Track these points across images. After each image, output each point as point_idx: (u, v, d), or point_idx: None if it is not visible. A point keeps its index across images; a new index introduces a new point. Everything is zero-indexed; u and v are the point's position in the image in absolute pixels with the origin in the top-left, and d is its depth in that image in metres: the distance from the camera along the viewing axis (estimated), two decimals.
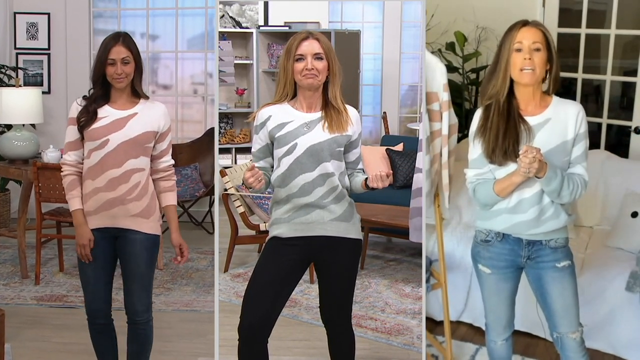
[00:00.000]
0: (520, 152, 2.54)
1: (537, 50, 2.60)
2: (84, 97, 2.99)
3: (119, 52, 2.90)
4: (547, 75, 2.66)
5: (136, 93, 2.99)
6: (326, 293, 2.87)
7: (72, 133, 2.97)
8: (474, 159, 2.76)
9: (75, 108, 2.97)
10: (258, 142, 2.81)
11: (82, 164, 2.98)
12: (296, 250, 2.76)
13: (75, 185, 2.98)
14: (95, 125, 2.92)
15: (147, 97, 3.03)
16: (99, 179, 2.93)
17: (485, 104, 2.72)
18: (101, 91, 2.95)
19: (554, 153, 2.63)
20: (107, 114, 2.94)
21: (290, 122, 2.74)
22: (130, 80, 2.94)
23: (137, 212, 2.96)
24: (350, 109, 2.82)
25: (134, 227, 2.97)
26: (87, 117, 2.92)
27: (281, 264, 2.74)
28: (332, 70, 2.75)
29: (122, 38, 2.93)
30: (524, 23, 2.64)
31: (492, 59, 2.71)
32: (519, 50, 2.60)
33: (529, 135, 2.63)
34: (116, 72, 2.89)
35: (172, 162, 3.10)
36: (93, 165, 2.93)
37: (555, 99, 2.70)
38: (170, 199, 3.08)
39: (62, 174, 3.00)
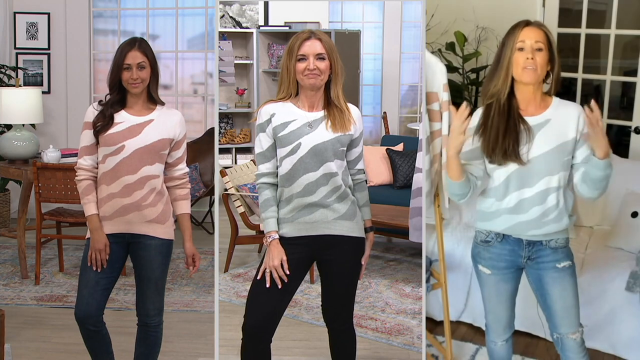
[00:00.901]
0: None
1: (539, 49, 2.60)
2: (100, 102, 2.98)
3: (134, 57, 2.89)
4: (549, 76, 2.66)
5: (152, 99, 2.98)
6: (329, 291, 2.87)
7: (87, 137, 2.96)
8: (465, 152, 2.76)
9: (92, 112, 2.96)
10: (266, 140, 2.78)
11: (97, 168, 2.97)
12: (300, 249, 2.76)
13: (90, 190, 2.96)
14: (111, 130, 2.90)
15: (162, 103, 3.02)
16: (114, 184, 2.91)
17: (486, 103, 2.72)
18: (118, 97, 2.94)
19: (554, 153, 2.63)
20: (123, 119, 2.93)
21: (293, 121, 2.74)
22: (146, 86, 2.93)
23: (152, 218, 2.95)
24: (353, 108, 2.82)
25: (149, 233, 2.96)
26: (103, 122, 2.91)
27: (285, 263, 2.73)
28: (335, 70, 2.74)
29: (139, 43, 2.92)
30: (527, 23, 2.64)
31: (493, 58, 2.71)
32: (521, 49, 2.60)
33: (528, 135, 2.63)
34: (132, 77, 2.88)
35: (187, 170, 3.09)
36: (108, 171, 2.92)
37: (555, 100, 2.70)
38: (185, 207, 3.07)
39: (77, 178, 2.98)
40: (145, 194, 2.93)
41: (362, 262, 2.85)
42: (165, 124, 2.97)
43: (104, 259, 2.91)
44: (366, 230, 2.87)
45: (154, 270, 2.97)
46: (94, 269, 2.92)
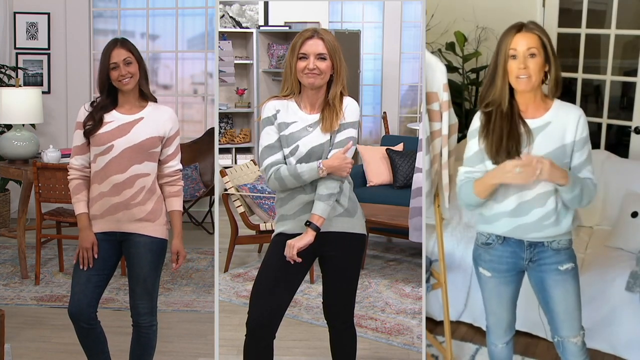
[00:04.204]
0: (517, 159, 2.53)
1: (532, 55, 2.57)
2: (92, 104, 2.99)
3: (119, 54, 2.90)
4: (547, 78, 2.64)
5: (144, 96, 2.99)
6: (330, 289, 2.88)
7: (78, 137, 2.97)
8: (468, 157, 2.76)
9: (83, 113, 2.98)
10: (274, 133, 2.76)
11: (89, 168, 2.99)
12: None
13: (80, 189, 2.98)
14: (101, 130, 2.92)
15: (155, 99, 3.03)
16: (103, 183, 2.93)
17: (486, 111, 2.69)
18: (108, 99, 2.96)
19: (553, 156, 2.61)
20: (113, 118, 2.94)
21: (294, 122, 2.75)
22: (136, 81, 2.94)
23: (142, 217, 2.96)
24: (347, 102, 2.78)
25: (139, 231, 2.96)
26: (93, 124, 2.93)
27: (288, 260, 2.74)
28: (337, 71, 2.74)
29: (120, 42, 2.95)
30: (518, 28, 2.60)
31: (490, 62, 2.68)
32: (514, 57, 2.58)
33: (529, 138, 2.62)
34: (120, 74, 2.89)
35: (180, 166, 3.09)
36: (98, 170, 2.94)
37: (556, 103, 2.68)
38: (176, 204, 3.07)
39: (68, 177, 3.01)
40: (134, 193, 2.93)
41: (289, 252, 2.71)
42: (156, 121, 2.98)
43: (90, 257, 2.92)
44: (306, 223, 2.71)
45: (142, 268, 2.97)
46: (81, 267, 2.94)
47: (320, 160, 2.70)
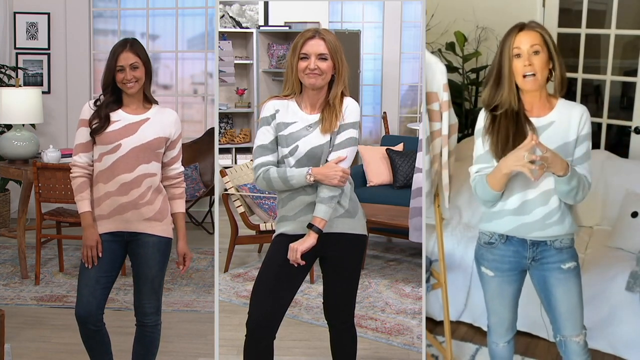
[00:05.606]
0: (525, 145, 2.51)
1: (536, 53, 2.58)
2: (95, 103, 2.98)
3: (127, 58, 2.90)
4: (551, 75, 2.64)
5: (148, 98, 2.99)
6: (331, 289, 2.88)
7: (83, 135, 2.96)
8: (479, 156, 2.75)
9: (88, 110, 2.97)
10: (269, 134, 2.76)
11: (92, 165, 2.97)
12: None
13: (84, 187, 2.96)
14: (108, 129, 2.91)
15: (156, 102, 3.03)
16: (110, 183, 2.92)
17: (495, 113, 2.68)
18: (112, 98, 2.95)
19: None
20: (119, 117, 2.94)
21: (294, 122, 2.75)
22: (141, 85, 2.94)
23: (150, 216, 2.95)
24: (347, 102, 2.77)
25: (148, 231, 2.96)
26: (99, 123, 2.92)
27: (288, 261, 2.74)
28: (338, 71, 2.74)
29: (130, 44, 2.94)
30: (520, 27, 2.61)
31: (493, 65, 2.68)
32: (518, 55, 2.59)
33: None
34: (125, 78, 2.89)
35: (182, 169, 3.09)
36: (104, 169, 2.93)
37: (561, 101, 2.69)
38: (179, 206, 3.07)
39: (71, 175, 2.98)
40: (142, 192, 2.93)
41: (293, 255, 2.71)
42: (161, 122, 2.98)
43: (95, 256, 2.91)
44: (309, 226, 2.71)
45: (151, 268, 2.97)
46: (86, 265, 2.92)
47: (310, 168, 2.70)
